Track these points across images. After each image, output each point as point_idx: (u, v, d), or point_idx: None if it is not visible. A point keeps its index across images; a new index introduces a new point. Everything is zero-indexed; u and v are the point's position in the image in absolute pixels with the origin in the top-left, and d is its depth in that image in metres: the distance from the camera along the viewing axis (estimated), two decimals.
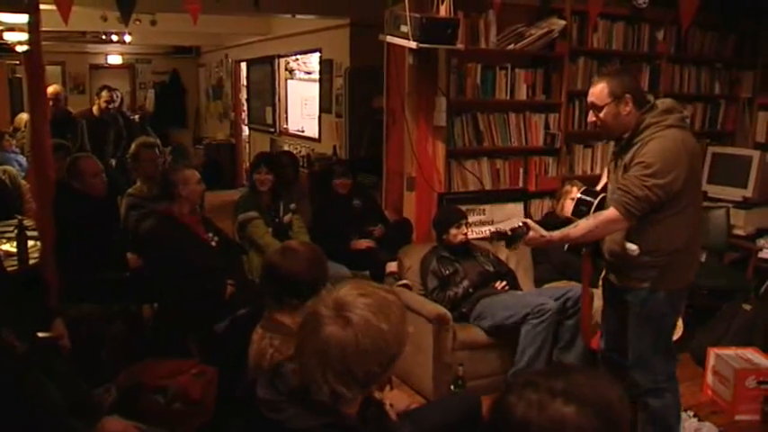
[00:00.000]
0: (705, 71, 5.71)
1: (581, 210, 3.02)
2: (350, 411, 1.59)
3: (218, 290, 3.88)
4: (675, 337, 4.57)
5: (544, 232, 2.85)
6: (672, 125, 2.79)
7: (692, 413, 3.75)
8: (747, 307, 4.60)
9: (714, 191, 5.32)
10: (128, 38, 10.32)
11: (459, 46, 4.30)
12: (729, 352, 4.06)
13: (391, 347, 1.54)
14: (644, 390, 3.01)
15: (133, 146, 5.10)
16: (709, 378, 4.13)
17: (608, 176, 3.08)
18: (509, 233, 2.87)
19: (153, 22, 8.03)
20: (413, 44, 4.11)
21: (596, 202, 3.00)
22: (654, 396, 3.02)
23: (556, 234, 2.87)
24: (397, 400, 2.88)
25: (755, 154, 5.39)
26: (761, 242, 5.16)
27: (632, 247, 2.83)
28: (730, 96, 5.88)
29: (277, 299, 2.35)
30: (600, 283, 3.29)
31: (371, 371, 1.52)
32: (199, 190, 4.08)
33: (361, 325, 1.52)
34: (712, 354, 4.12)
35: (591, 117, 2.93)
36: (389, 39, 4.34)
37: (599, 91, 2.85)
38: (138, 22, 7.78)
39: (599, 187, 3.18)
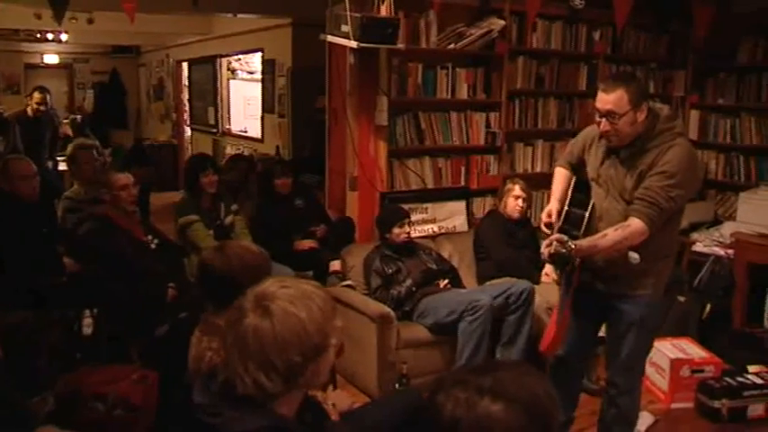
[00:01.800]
0: (640, 71, 5.85)
1: (571, 223, 2.96)
2: (287, 413, 1.58)
3: (158, 293, 3.82)
4: None
5: (572, 243, 2.76)
6: (681, 133, 2.82)
7: None
8: (682, 299, 4.75)
9: None
10: (64, 37, 10.08)
11: (400, 46, 4.32)
12: (666, 343, 4.17)
13: (312, 337, 1.52)
14: (623, 391, 3.07)
15: (70, 147, 4.98)
16: (647, 369, 4.23)
17: (597, 177, 2.95)
18: (557, 256, 2.73)
19: (90, 21, 7.86)
20: (353, 44, 4.11)
21: (587, 215, 2.94)
22: (629, 396, 3.09)
23: (584, 243, 2.78)
24: (339, 399, 2.89)
25: (682, 156, 5.53)
26: (694, 236, 5.32)
27: (635, 255, 2.76)
28: (664, 95, 6.04)
29: (214, 300, 2.31)
30: (567, 290, 3.10)
31: (292, 361, 1.50)
32: (122, 195, 3.97)
33: (280, 314, 1.51)
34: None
35: (605, 126, 2.76)
36: (330, 38, 4.34)
37: (618, 99, 2.70)
38: (74, 21, 7.60)
39: (558, 192, 3.12)
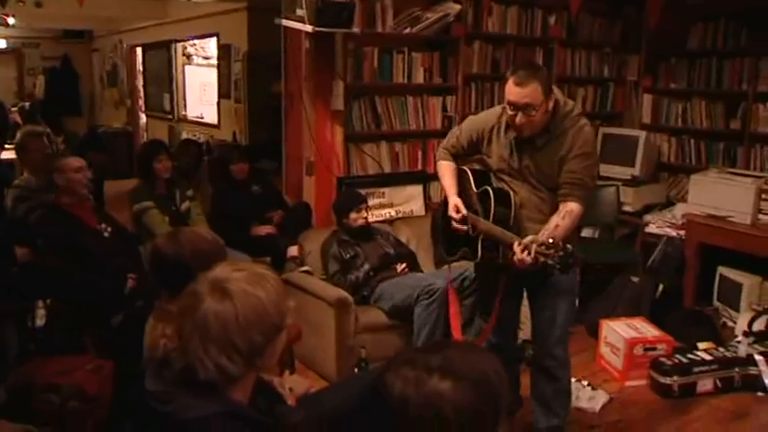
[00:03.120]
0: (595, 55, 5.93)
1: (499, 218, 2.94)
2: (241, 398, 1.57)
3: (113, 282, 3.76)
4: None
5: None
6: (580, 112, 2.93)
7: (585, 382, 3.92)
8: (635, 279, 4.84)
9: (605, 170, 5.52)
10: (12, 20, 9.79)
11: (356, 29, 4.30)
12: (620, 322, 4.25)
13: (272, 316, 1.52)
14: (562, 362, 3.17)
15: (19, 135, 4.86)
16: (602, 348, 4.32)
17: (508, 167, 2.96)
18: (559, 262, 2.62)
19: (38, 4, 7.63)
20: (309, 28, 4.08)
21: (513, 206, 2.95)
22: (564, 367, 3.20)
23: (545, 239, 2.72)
24: (297, 384, 2.88)
25: (642, 134, 5.65)
26: (647, 218, 5.42)
27: None
28: (618, 79, 6.13)
29: (167, 287, 2.28)
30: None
31: (255, 341, 1.50)
32: (77, 178, 3.88)
33: (239, 295, 1.51)
34: (604, 325, 4.31)
35: (521, 118, 2.77)
36: (285, 22, 4.30)
37: (534, 91, 2.73)
38: (21, 4, 7.38)
39: (453, 187, 3.09)
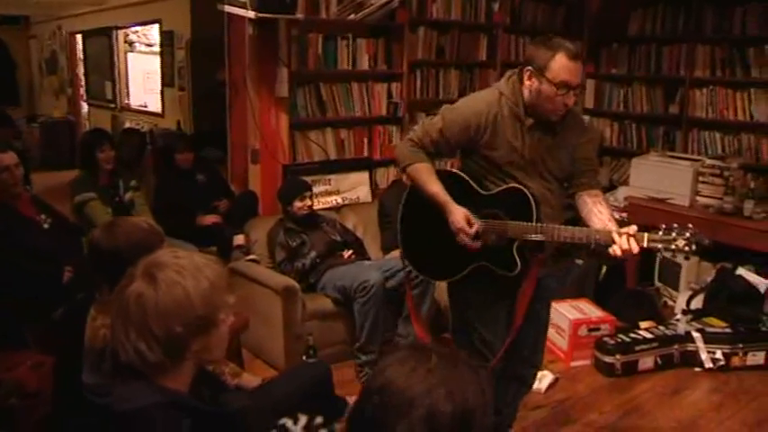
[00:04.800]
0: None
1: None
2: (180, 387, 1.55)
3: (53, 275, 3.67)
4: None
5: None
6: None
7: None
8: (580, 262, 4.93)
9: None
10: None
11: (299, 16, 4.27)
12: (565, 305, 4.33)
13: (196, 309, 1.50)
14: (539, 368, 3.10)
15: None
16: (549, 330, 4.39)
17: (519, 158, 2.59)
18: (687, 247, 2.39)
19: None
20: (251, 14, 4.05)
21: (534, 204, 2.58)
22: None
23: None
24: (249, 382, 2.87)
25: (584, 119, 5.74)
26: None
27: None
28: None
29: (105, 278, 2.25)
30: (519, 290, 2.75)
31: (173, 331, 1.47)
32: (5, 178, 3.71)
33: (165, 282, 1.49)
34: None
35: (573, 99, 2.53)
36: (228, 8, 4.24)
37: (582, 71, 2.53)
38: None
39: (444, 193, 2.60)
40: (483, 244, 2.59)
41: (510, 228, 2.57)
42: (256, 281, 3.95)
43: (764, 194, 4.85)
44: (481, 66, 5.54)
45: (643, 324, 4.31)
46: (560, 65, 2.43)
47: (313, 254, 4.03)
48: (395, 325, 4.02)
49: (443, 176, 2.64)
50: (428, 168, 2.63)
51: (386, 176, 5.03)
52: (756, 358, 4.14)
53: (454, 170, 2.71)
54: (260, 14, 4.01)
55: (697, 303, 4.53)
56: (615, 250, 2.39)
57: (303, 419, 1.82)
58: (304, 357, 3.75)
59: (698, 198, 4.95)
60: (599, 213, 2.60)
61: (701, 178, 4.98)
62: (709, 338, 4.14)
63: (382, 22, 4.83)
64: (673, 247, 2.38)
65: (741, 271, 4.55)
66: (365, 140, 4.93)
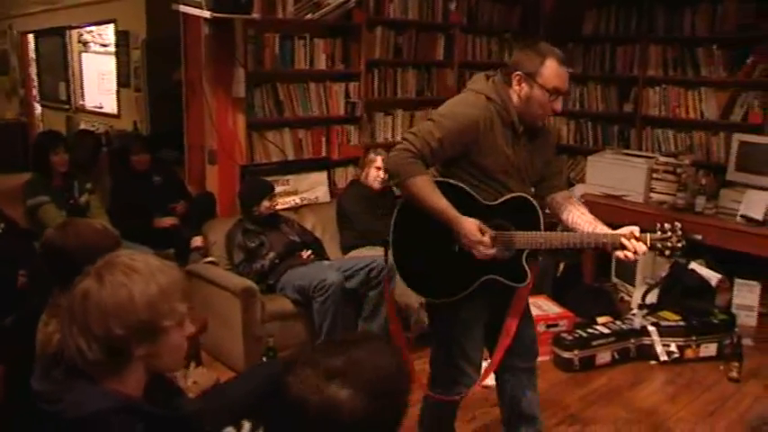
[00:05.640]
0: (495, 41, 6.04)
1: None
2: (132, 392, 1.53)
3: (6, 280, 3.60)
4: None
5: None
6: None
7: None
8: (540, 258, 4.98)
9: None
10: None
11: (256, 16, 4.24)
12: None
13: (138, 313, 1.47)
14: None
15: None
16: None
17: (511, 166, 2.55)
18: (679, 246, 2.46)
19: None
20: (207, 14, 4.01)
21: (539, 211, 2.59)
22: None
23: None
24: (202, 377, 2.84)
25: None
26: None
27: None
28: None
29: (57, 279, 2.21)
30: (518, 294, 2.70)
31: (113, 333, 1.45)
32: None
33: (111, 283, 1.46)
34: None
35: (560, 104, 2.54)
36: (183, 8, 4.19)
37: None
38: None
39: (451, 207, 2.45)
40: (502, 256, 2.49)
41: (519, 238, 2.50)
42: (214, 283, 3.92)
43: (715, 191, 4.97)
44: (438, 65, 5.57)
45: (600, 319, 4.38)
46: (551, 71, 2.45)
47: (272, 255, 4.01)
48: (355, 325, 4.02)
49: (443, 188, 2.48)
50: (430, 181, 2.46)
51: (344, 176, 5.02)
52: (709, 350, 4.24)
53: (452, 181, 2.53)
54: (215, 14, 3.97)
55: (652, 298, 4.62)
56: (627, 254, 2.41)
57: (247, 426, 1.80)
58: (264, 359, 3.72)
59: (652, 194, 5.05)
60: (583, 215, 2.61)
61: (654, 175, 5.08)
62: (664, 332, 4.22)
63: (339, 21, 4.82)
64: (669, 245, 2.43)
65: (694, 265, 4.65)
66: (323, 140, 4.91)
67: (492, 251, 2.45)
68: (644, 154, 5.40)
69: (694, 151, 5.41)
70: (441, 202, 2.43)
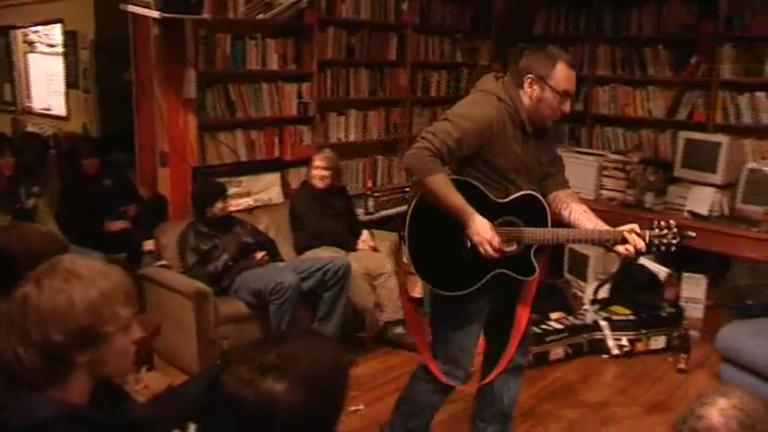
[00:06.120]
0: (447, 41, 6.08)
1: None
2: (74, 399, 1.50)
3: None
4: (419, 295, 4.90)
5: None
6: None
7: None
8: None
9: None
10: None
11: (206, 16, 4.20)
12: None
13: (78, 319, 1.44)
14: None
15: None
16: None
17: (521, 164, 2.65)
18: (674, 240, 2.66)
19: None
20: (155, 14, 3.96)
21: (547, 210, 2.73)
22: None
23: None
24: (154, 381, 2.80)
25: None
26: None
27: None
28: (471, 63, 6.33)
29: (0, 284, 2.15)
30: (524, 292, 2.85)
31: (51, 339, 1.41)
32: None
33: (50, 288, 1.43)
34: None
35: (570, 106, 2.68)
36: (131, 8, 4.14)
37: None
38: None
39: (468, 205, 2.53)
40: (502, 252, 2.58)
41: (527, 234, 2.62)
42: (167, 286, 3.87)
43: (663, 187, 5.09)
44: (391, 65, 5.59)
45: (553, 315, 4.44)
46: (562, 74, 2.58)
47: (225, 257, 3.97)
48: (309, 327, 4.02)
49: (458, 186, 2.55)
50: (447, 179, 2.54)
51: (298, 177, 4.98)
52: (658, 343, 4.34)
53: (467, 179, 2.61)
54: (164, 14, 3.93)
55: (604, 293, 4.70)
56: (629, 249, 2.57)
57: (192, 428, 1.79)
58: (218, 362, 3.68)
59: (602, 191, 5.15)
60: (585, 213, 2.72)
61: (604, 172, 5.18)
62: (615, 326, 4.31)
63: (291, 21, 4.80)
64: (665, 241, 2.61)
65: (643, 260, 4.75)
66: (276, 141, 4.87)
67: (495, 253, 2.53)
68: (594, 152, 5.50)
69: (643, 149, 5.53)
70: (457, 199, 2.51)
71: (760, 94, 4.96)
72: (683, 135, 5.14)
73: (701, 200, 4.71)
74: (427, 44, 5.88)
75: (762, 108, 4.96)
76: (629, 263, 4.73)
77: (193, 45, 4.36)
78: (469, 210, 2.51)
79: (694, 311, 4.82)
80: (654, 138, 5.56)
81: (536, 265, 2.68)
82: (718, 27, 5.10)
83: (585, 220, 2.69)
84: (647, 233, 2.62)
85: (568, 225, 2.72)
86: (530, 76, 2.59)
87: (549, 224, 2.67)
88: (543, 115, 2.63)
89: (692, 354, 4.19)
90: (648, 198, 4.95)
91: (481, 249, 2.52)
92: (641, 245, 2.58)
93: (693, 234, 2.74)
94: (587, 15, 5.81)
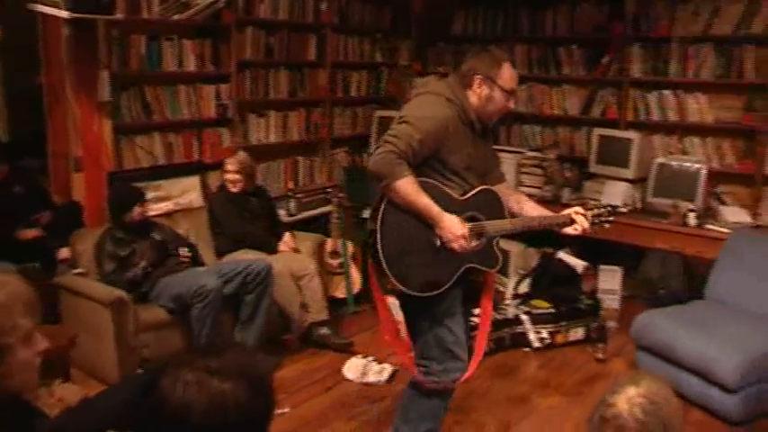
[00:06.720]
0: (367, 41, 6.11)
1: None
2: None
3: None
4: (355, 291, 4.92)
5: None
6: None
7: (372, 358, 4.06)
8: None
9: None
10: None
11: (119, 16, 4.10)
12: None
13: None
14: None
15: None
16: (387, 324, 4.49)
17: (473, 162, 2.75)
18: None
19: None
20: (64, 14, 3.86)
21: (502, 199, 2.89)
22: None
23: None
24: (69, 393, 2.73)
25: None
26: None
27: None
28: (391, 63, 6.38)
29: None
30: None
31: None
32: None
33: None
34: (387, 300, 4.48)
35: (513, 104, 2.82)
36: (40, 8, 4.02)
37: None
38: None
39: (436, 206, 2.61)
40: (474, 246, 2.69)
41: (490, 227, 2.75)
42: (84, 295, 3.77)
43: (579, 183, 5.24)
44: (311, 65, 5.57)
45: (477, 311, 4.50)
46: (508, 73, 2.72)
47: (144, 263, 3.88)
48: (232, 330, 3.98)
49: (422, 186, 2.59)
50: (415, 181, 2.57)
51: (217, 180, 4.89)
52: (577, 334, 4.47)
53: (429, 179, 2.64)
54: (74, 15, 3.81)
55: (525, 288, 4.81)
56: (576, 228, 2.82)
57: None
58: (140, 370, 3.61)
59: (520, 188, 5.26)
60: (528, 202, 2.94)
61: (522, 169, 5.31)
62: (536, 320, 4.41)
63: (208, 22, 4.73)
64: (603, 219, 2.90)
65: (561, 254, 4.89)
66: (194, 143, 4.79)
67: (468, 244, 2.64)
68: (512, 149, 5.61)
69: (559, 146, 5.69)
70: (426, 201, 2.58)
71: (667, 93, 5.17)
72: (597, 132, 5.31)
73: (616, 194, 4.88)
74: (347, 44, 5.89)
75: (669, 106, 5.17)
76: (548, 257, 4.86)
77: (106, 46, 4.25)
78: (437, 209, 2.59)
79: (611, 303, 4.98)
80: (569, 135, 5.72)
81: (500, 255, 2.84)
82: (626, 28, 5.29)
83: (531, 208, 2.89)
84: (590, 213, 2.87)
85: (515, 215, 2.87)
86: (478, 76, 2.70)
87: (507, 215, 2.83)
88: (490, 113, 2.76)
89: (610, 343, 4.35)
90: (565, 194, 5.10)
91: (455, 245, 2.61)
92: (587, 224, 2.82)
93: (624, 209, 3.12)
94: (504, 16, 5.94)
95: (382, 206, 2.60)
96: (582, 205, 2.95)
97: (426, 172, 2.65)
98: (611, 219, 2.93)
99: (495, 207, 2.80)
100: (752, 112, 4.84)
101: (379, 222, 2.59)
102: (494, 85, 2.70)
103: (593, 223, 2.87)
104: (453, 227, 2.60)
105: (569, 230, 2.83)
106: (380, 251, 2.59)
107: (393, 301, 3.14)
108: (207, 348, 1.38)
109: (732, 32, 4.87)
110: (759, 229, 4.49)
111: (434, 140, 2.60)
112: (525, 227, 2.85)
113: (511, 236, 4.71)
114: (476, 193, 2.75)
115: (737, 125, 4.93)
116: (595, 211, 2.91)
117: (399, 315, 3.02)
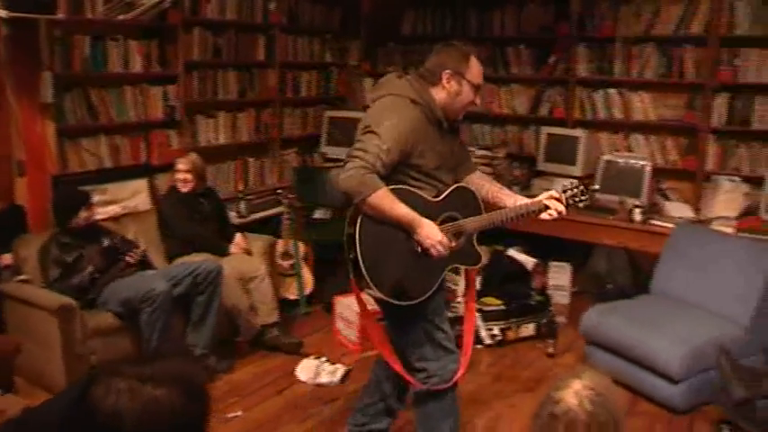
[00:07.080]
0: (316, 41, 6.09)
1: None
2: None
3: None
4: (307, 291, 4.91)
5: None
6: None
7: (324, 358, 4.05)
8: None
9: (335, 152, 5.68)
10: None
11: (60, 16, 4.01)
12: (351, 298, 4.44)
13: None
14: None
15: None
16: (338, 324, 4.50)
17: (443, 161, 2.74)
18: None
19: None
20: (2, 13, 3.75)
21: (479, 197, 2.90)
22: None
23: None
24: (11, 404, 2.66)
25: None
26: None
27: None
28: (341, 63, 6.37)
29: None
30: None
31: None
32: None
33: None
34: (338, 301, 4.49)
35: (479, 99, 2.79)
36: None
37: None
38: None
39: (412, 212, 2.58)
40: (453, 246, 2.68)
41: (468, 225, 2.74)
42: (28, 302, 3.68)
43: (528, 180, 5.31)
44: (260, 66, 5.53)
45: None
46: (476, 68, 2.70)
47: (90, 268, 3.80)
48: (183, 333, 3.93)
49: (396, 194, 2.55)
50: (389, 191, 2.52)
51: (166, 182, 4.83)
52: (528, 330, 4.54)
53: (400, 186, 2.60)
54: (12, 14, 3.71)
55: (476, 285, 4.85)
56: (551, 213, 2.78)
57: None
58: (83, 379, 3.54)
59: None
60: (501, 190, 2.93)
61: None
62: (487, 317, 4.46)
63: (154, 22, 4.66)
64: (577, 199, 2.87)
65: (511, 252, 4.95)
66: (142, 146, 4.71)
67: (447, 248, 2.60)
68: (472, 150, 5.65)
69: (508, 144, 5.76)
70: (401, 211, 2.54)
71: (612, 92, 5.28)
72: (545, 130, 5.41)
73: None
74: (296, 44, 5.87)
75: (614, 105, 5.28)
76: (499, 255, 4.92)
77: (48, 47, 4.15)
78: (414, 215, 2.56)
79: (561, 298, 5.07)
80: (518, 134, 5.80)
81: (480, 252, 2.84)
82: (572, 28, 5.38)
83: (505, 197, 2.89)
84: (563, 195, 2.84)
85: (489, 204, 2.88)
86: (447, 72, 2.65)
87: (483, 210, 2.82)
88: (457, 109, 2.73)
89: (560, 338, 4.42)
90: (515, 191, 5.15)
91: (433, 251, 2.58)
92: (561, 207, 2.80)
93: (597, 187, 3.18)
94: (453, 16, 5.98)
95: (358, 222, 2.55)
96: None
97: (398, 177, 2.61)
98: (584, 198, 2.89)
99: (470, 204, 2.80)
100: (693, 110, 4.98)
101: (357, 237, 2.54)
102: (462, 80, 2.66)
103: (567, 205, 2.84)
104: (431, 233, 2.57)
105: (545, 216, 2.81)
106: (362, 265, 2.54)
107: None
108: (138, 358, 1.35)
109: (673, 33, 5.01)
110: (701, 224, 4.61)
111: (403, 146, 2.55)
112: (503, 220, 2.81)
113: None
114: (450, 193, 2.72)
115: (680, 123, 5.07)
116: (569, 192, 2.87)
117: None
